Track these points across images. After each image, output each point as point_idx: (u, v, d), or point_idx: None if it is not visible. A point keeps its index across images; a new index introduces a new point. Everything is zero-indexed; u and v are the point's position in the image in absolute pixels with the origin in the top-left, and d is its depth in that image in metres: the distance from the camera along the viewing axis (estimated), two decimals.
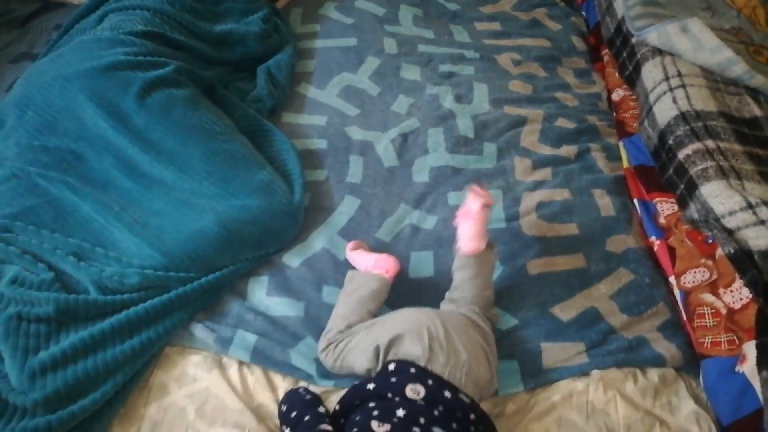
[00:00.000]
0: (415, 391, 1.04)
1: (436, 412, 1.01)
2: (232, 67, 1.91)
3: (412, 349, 1.11)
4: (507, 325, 1.33)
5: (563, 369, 1.25)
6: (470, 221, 1.28)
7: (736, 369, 1.17)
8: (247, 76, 1.90)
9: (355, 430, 0.97)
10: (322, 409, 1.12)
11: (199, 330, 1.29)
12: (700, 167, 1.43)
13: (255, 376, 1.25)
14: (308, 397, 1.16)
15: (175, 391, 1.22)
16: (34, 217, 1.37)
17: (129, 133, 1.46)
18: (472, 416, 1.05)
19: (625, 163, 1.70)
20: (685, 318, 1.34)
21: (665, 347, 1.28)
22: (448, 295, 1.30)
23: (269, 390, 1.22)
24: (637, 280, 1.41)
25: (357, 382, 1.11)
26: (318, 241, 1.48)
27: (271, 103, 1.79)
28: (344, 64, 1.95)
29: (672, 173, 1.52)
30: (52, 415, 1.09)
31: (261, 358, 1.25)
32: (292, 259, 1.44)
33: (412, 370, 1.07)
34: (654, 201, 1.55)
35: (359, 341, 1.17)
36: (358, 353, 1.15)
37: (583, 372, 1.24)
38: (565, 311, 1.35)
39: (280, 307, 1.35)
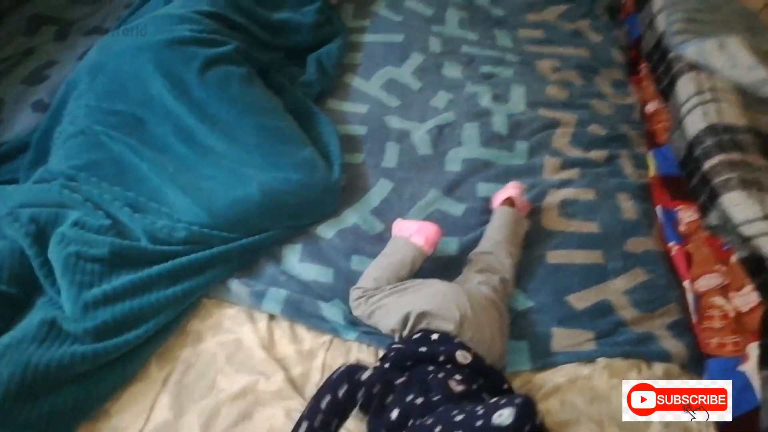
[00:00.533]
0: (464, 356, 1.14)
1: (481, 380, 1.12)
2: (285, 52, 2.03)
3: (444, 325, 1.20)
4: (523, 306, 1.40)
5: (571, 353, 1.32)
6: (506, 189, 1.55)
7: (738, 368, 1.22)
8: (298, 62, 2.02)
9: (434, 385, 1.05)
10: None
11: (235, 285, 1.41)
12: (723, 177, 1.47)
13: (282, 330, 1.35)
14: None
15: (208, 339, 1.34)
16: (96, 171, 1.50)
17: (189, 104, 1.59)
18: (505, 386, 1.16)
19: (652, 172, 1.75)
20: (695, 320, 1.39)
21: (673, 344, 1.33)
22: (474, 250, 1.42)
23: (293, 342, 1.33)
24: (653, 279, 1.46)
25: (400, 345, 1.20)
26: (351, 218, 1.58)
27: (318, 89, 1.91)
28: (389, 58, 2.06)
29: (697, 182, 1.57)
30: (99, 344, 1.21)
31: (292, 310, 1.36)
32: (325, 231, 1.55)
33: (456, 340, 1.17)
34: (676, 209, 1.60)
35: (392, 302, 1.27)
36: (389, 313, 1.26)
37: (590, 358, 1.31)
38: (580, 301, 1.41)
39: (311, 272, 1.46)
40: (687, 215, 1.56)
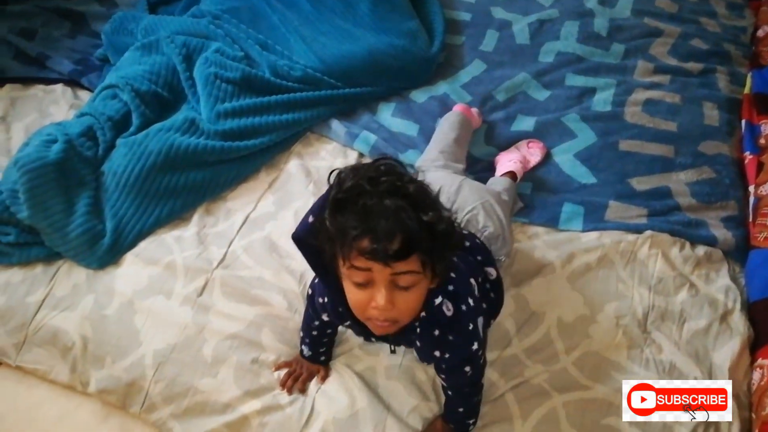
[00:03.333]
0: None
1: None
2: None
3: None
4: (586, 180, 1.54)
5: (621, 223, 1.44)
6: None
7: None
8: None
9: None
10: None
11: (335, 124, 1.65)
12: None
13: None
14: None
15: (307, 160, 1.60)
16: (236, 14, 1.78)
17: None
18: (467, 243, 1.17)
19: (747, 90, 1.77)
20: (750, 219, 1.46)
21: (722, 233, 1.42)
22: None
23: None
24: (718, 178, 1.53)
25: None
26: (442, 88, 1.76)
27: None
28: None
29: None
30: (225, 143, 1.50)
31: (376, 153, 1.58)
32: (418, 96, 1.74)
33: None
34: (760, 123, 1.63)
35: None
36: None
37: (638, 230, 1.43)
38: (641, 184, 1.52)
39: (400, 125, 1.67)
40: None
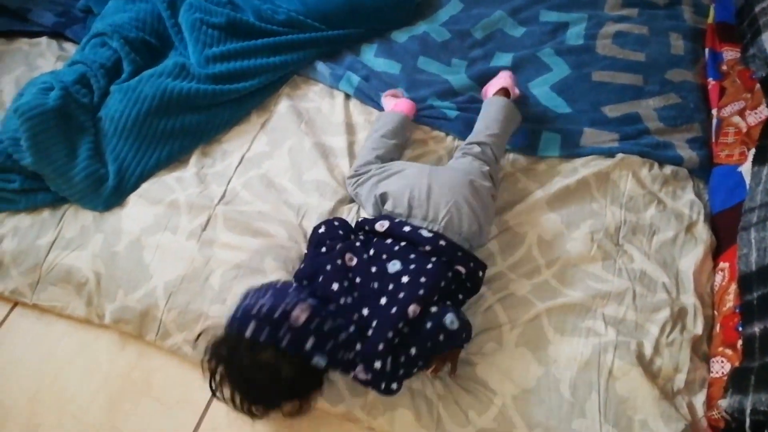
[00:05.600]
0: (381, 225, 1.26)
1: (396, 247, 1.23)
2: None
3: (397, 209, 1.31)
4: (561, 110, 1.63)
5: (595, 148, 1.55)
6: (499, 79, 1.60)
7: (737, 169, 1.42)
8: None
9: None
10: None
11: (320, 66, 1.70)
12: None
13: (354, 104, 1.65)
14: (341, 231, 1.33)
15: (297, 102, 1.66)
16: None
17: None
18: (428, 248, 1.21)
19: (710, 20, 1.85)
20: (713, 139, 1.57)
21: (687, 153, 1.53)
22: (468, 140, 1.46)
23: (364, 114, 1.63)
24: (683, 103, 1.63)
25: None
26: (422, 27, 1.82)
27: None
28: None
29: (745, 25, 1.68)
30: (215, 86, 1.55)
31: (361, 94, 1.65)
32: (399, 36, 1.80)
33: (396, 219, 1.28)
34: (723, 50, 1.73)
35: (367, 189, 1.38)
36: (366, 199, 1.38)
37: (610, 153, 1.53)
38: (613, 111, 1.62)
39: (383, 65, 1.73)
40: (729, 54, 1.69)
